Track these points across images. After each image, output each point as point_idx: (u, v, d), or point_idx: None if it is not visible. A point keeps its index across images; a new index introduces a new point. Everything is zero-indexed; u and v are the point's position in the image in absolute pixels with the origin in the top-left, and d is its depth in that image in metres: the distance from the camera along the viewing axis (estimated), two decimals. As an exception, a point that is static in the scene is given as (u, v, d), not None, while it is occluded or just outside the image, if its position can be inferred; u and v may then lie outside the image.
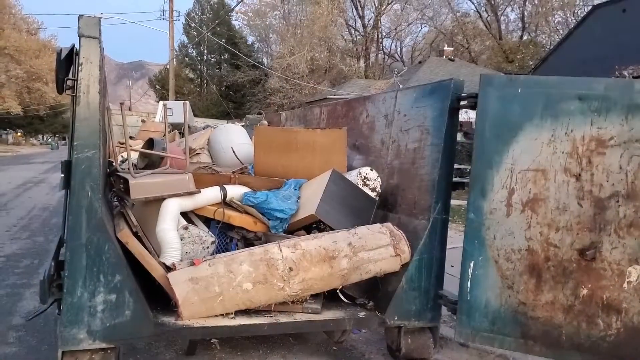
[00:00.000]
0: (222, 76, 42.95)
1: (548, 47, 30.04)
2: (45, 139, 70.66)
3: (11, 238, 6.58)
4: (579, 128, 2.59)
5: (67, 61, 2.60)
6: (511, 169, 2.72)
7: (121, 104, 3.08)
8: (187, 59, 44.89)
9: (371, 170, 3.59)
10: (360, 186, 3.51)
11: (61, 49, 2.53)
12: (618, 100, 2.54)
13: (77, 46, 2.43)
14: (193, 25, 41.54)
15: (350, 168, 3.81)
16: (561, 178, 2.63)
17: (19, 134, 57.22)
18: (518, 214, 2.72)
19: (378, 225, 3.10)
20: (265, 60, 40.48)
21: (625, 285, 2.53)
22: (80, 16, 2.31)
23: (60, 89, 2.58)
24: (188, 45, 42.62)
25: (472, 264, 2.78)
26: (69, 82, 2.58)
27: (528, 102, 2.68)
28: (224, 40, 36.94)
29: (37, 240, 6.50)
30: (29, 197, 11.12)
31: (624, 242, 2.54)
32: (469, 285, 2.79)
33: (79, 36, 2.34)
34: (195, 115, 12.45)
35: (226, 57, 42.67)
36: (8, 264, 5.26)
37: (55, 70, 2.50)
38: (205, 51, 45.31)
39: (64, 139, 75.03)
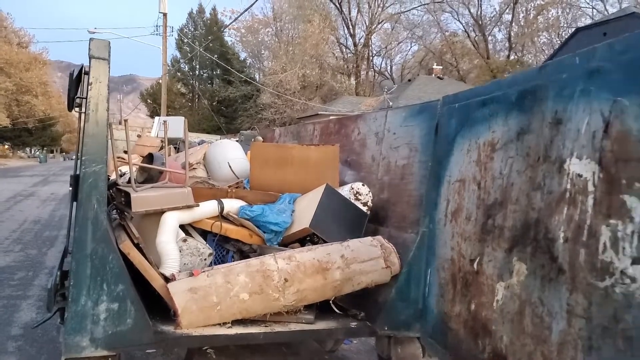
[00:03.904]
0: (214, 91, 43.14)
1: (534, 66, 30.75)
2: (32, 152, 70.01)
3: (4, 251, 6.60)
4: (483, 134, 2.51)
5: (76, 80, 2.74)
6: (449, 181, 2.80)
7: (125, 121, 3.21)
8: (179, 74, 45.09)
9: (363, 185, 3.74)
10: (353, 200, 3.65)
11: (73, 70, 2.67)
12: (502, 100, 2.39)
13: (86, 67, 2.57)
14: (186, 40, 41.84)
15: (342, 183, 3.95)
16: (471, 187, 2.57)
17: (5, 146, 56.65)
18: (448, 224, 2.77)
19: (369, 238, 3.24)
20: (257, 76, 40.84)
21: (494, 304, 2.28)
22: (91, 39, 2.46)
23: (70, 107, 2.71)
24: (181, 61, 42.86)
25: (428, 271, 2.93)
26: (78, 100, 2.71)
27: (459, 115, 2.76)
28: (216, 55, 37.23)
29: (30, 253, 6.53)
30: (19, 210, 11.09)
31: (495, 254, 2.32)
32: (426, 291, 2.92)
33: (89, 57, 2.47)
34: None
35: (218, 72, 42.96)
36: (3, 276, 5.30)
37: (68, 90, 2.63)
38: (198, 66, 45.56)
39: (51, 152, 74.45)
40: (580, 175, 1.82)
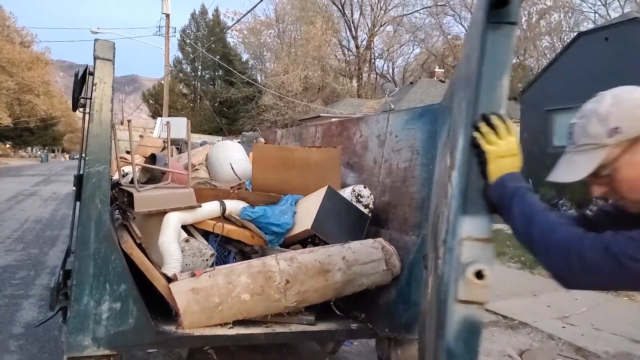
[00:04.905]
0: (215, 92, 43.16)
1: (536, 70, 30.80)
2: (34, 151, 70.12)
3: (6, 250, 6.62)
4: (443, 137, 2.56)
5: (81, 81, 2.76)
6: (433, 183, 2.84)
7: (129, 121, 3.23)
8: (181, 75, 45.15)
9: (364, 187, 3.75)
10: (354, 203, 3.66)
11: (78, 71, 2.69)
12: (444, 108, 2.46)
13: (90, 67, 2.59)
14: (188, 41, 41.92)
15: (344, 185, 3.96)
16: (436, 188, 2.59)
17: (7, 145, 56.70)
18: (430, 224, 2.77)
19: (371, 240, 3.25)
20: (259, 78, 40.89)
21: (428, 298, 2.28)
22: (96, 40, 2.48)
23: (75, 107, 2.73)
24: (183, 62, 42.94)
25: (423, 272, 2.95)
26: (82, 100, 2.73)
27: (442, 118, 2.81)
28: (218, 57, 37.29)
29: (31, 252, 6.55)
30: (21, 209, 11.12)
31: (432, 251, 2.35)
32: (422, 291, 2.94)
33: (94, 58, 2.49)
34: (189, 131, 12.57)
35: (220, 73, 43.00)
36: (4, 275, 5.32)
37: (72, 90, 2.64)
38: (200, 67, 45.63)
39: (53, 151, 74.60)
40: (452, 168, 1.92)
